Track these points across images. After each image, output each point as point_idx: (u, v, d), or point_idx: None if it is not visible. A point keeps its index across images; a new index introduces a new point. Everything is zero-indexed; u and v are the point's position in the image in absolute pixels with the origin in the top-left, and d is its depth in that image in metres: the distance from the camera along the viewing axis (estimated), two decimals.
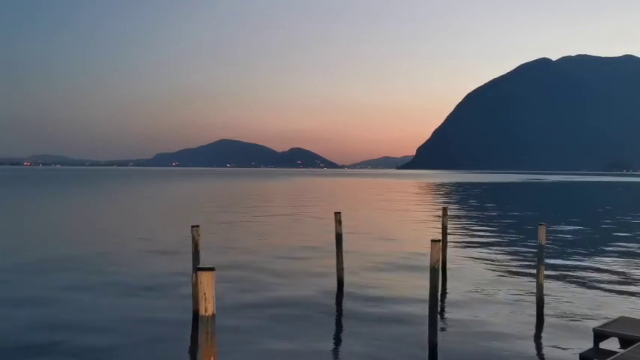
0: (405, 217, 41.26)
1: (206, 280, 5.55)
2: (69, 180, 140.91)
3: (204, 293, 5.55)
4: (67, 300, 15.06)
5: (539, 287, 13.81)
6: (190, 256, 13.64)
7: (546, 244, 17.04)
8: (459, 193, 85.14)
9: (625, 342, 9.93)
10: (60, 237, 28.50)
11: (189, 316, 13.20)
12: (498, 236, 30.34)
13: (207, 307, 5.55)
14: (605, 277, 18.83)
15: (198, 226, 13.58)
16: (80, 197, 66.35)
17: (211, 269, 5.62)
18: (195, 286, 12.89)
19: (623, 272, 19.71)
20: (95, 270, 19.28)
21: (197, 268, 5.75)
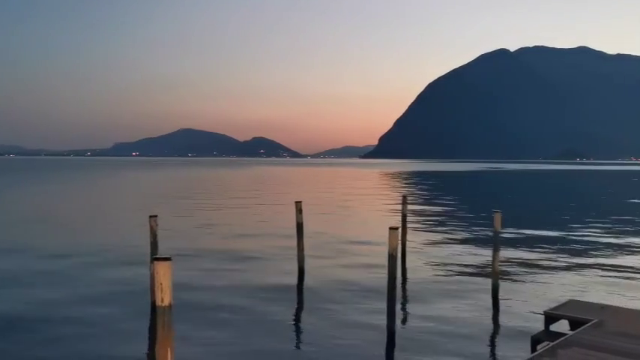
0: (366, 206, 41.61)
1: (162, 270, 5.47)
2: (23, 171, 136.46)
3: (161, 283, 5.49)
4: (18, 293, 14.68)
5: (495, 273, 14.20)
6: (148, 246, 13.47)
7: (501, 230, 17.51)
8: (419, 182, 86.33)
9: (574, 324, 10.32)
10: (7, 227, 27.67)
11: (147, 307, 13.06)
12: (455, 224, 30.97)
13: (164, 298, 5.49)
14: (557, 262, 19.51)
15: (156, 216, 13.41)
16: (37, 188, 64.38)
17: (168, 259, 5.56)
18: (152, 276, 12.76)
19: (574, 257, 20.46)
20: (45, 261, 18.83)
21: (154, 258, 5.68)
